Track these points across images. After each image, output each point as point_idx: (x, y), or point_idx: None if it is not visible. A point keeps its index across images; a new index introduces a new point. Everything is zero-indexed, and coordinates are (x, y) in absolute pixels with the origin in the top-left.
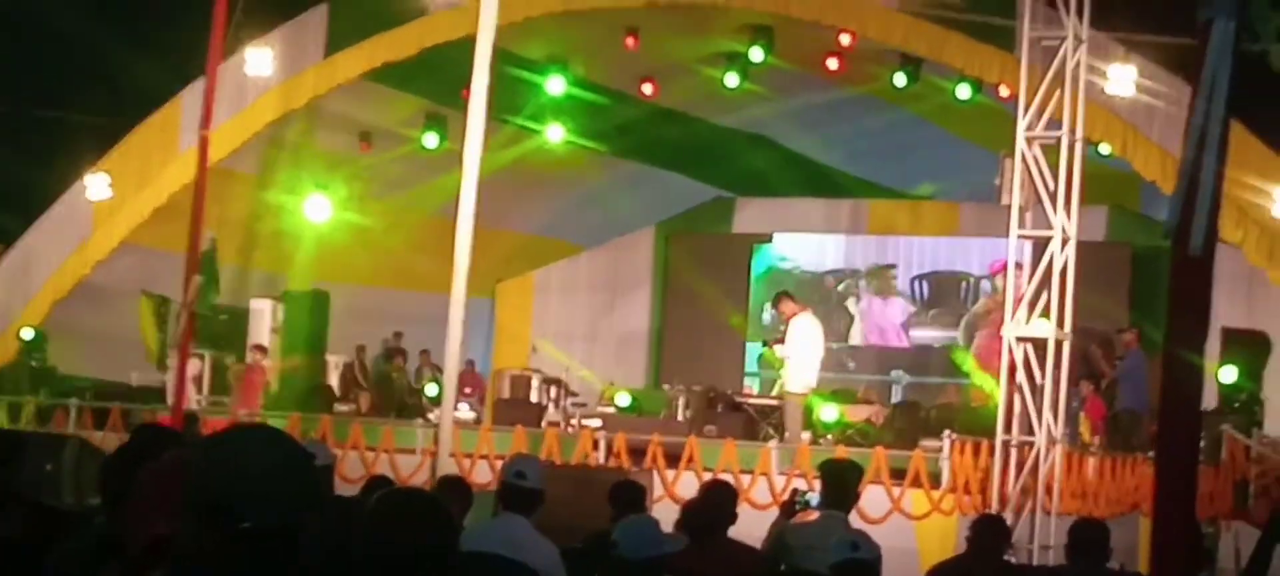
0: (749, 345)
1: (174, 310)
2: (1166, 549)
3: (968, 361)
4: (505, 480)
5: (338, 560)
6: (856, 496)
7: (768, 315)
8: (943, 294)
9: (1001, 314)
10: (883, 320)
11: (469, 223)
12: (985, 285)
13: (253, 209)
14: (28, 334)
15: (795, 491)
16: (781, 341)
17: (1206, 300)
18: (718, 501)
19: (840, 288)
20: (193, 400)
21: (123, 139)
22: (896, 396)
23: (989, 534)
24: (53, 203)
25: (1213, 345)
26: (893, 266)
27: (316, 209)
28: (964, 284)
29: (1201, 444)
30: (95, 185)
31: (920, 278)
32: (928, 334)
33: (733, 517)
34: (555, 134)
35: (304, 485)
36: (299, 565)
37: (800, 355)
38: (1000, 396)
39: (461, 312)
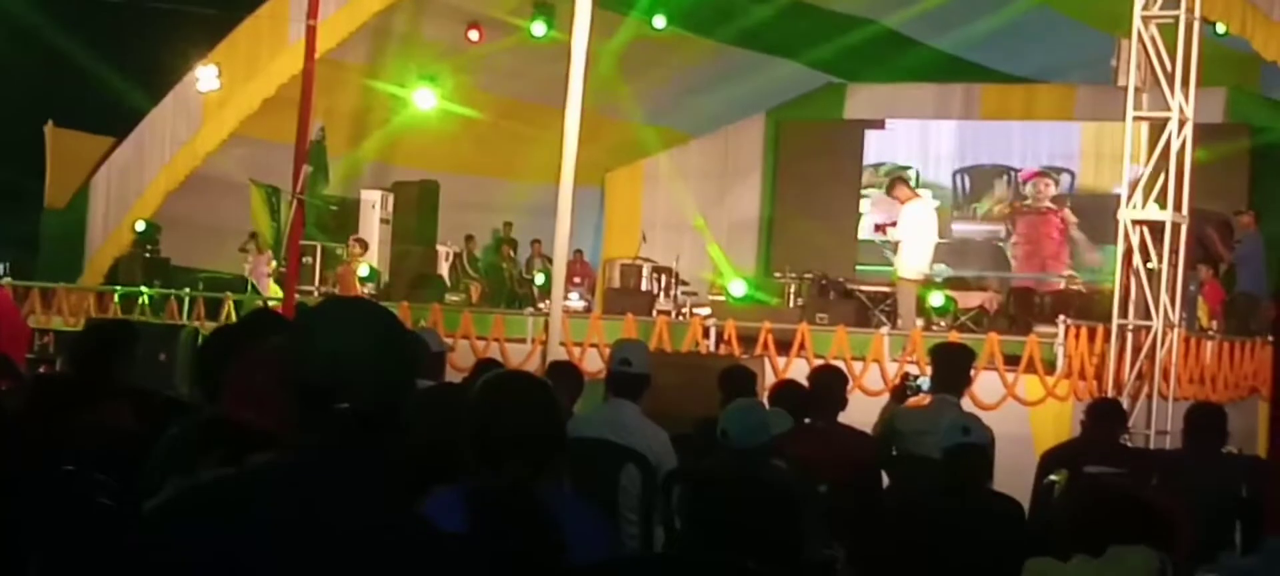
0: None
1: (284, 200)
2: None
3: None
4: (612, 366)
5: (445, 442)
6: (968, 380)
7: (867, 206)
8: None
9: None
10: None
11: (576, 112)
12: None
13: (362, 100)
14: (141, 226)
15: (906, 376)
16: (894, 225)
17: None
18: (828, 385)
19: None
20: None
21: (232, 31)
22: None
23: (1105, 418)
24: (163, 95)
25: None
26: (908, 167)
27: (425, 99)
28: (1006, 176)
29: None
30: (205, 77)
31: (961, 171)
32: (968, 228)
33: (843, 402)
34: (662, 21)
35: (402, 361)
36: (402, 444)
37: (914, 241)
38: (1116, 280)
39: (570, 202)
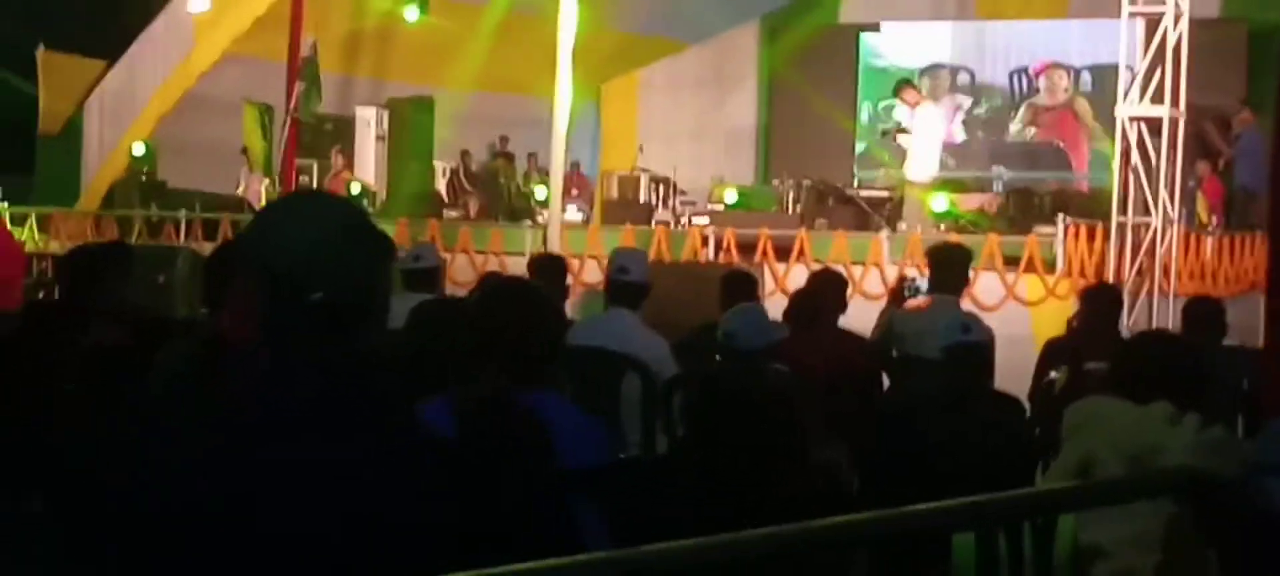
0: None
1: (278, 119)
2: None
3: None
4: (610, 275)
5: (441, 352)
6: (966, 281)
7: (865, 114)
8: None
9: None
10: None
11: (571, 24)
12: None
13: (354, 15)
14: (139, 149)
15: (904, 277)
16: (903, 130)
17: None
18: (826, 289)
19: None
20: None
21: None
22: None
23: (1101, 302)
24: (154, 16)
25: None
26: (942, 66)
27: (417, 14)
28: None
29: None
30: None
31: (1019, 71)
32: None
33: (843, 305)
34: None
35: (371, 247)
36: (380, 334)
37: (924, 143)
38: (1114, 178)
39: (566, 114)
